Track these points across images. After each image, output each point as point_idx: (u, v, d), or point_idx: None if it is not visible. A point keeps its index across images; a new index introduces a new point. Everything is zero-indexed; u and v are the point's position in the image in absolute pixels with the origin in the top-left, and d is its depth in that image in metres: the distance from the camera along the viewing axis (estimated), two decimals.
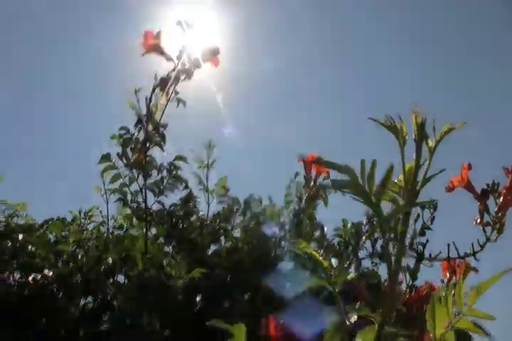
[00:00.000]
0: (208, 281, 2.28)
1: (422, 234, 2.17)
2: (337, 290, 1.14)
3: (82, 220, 2.76)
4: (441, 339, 1.02)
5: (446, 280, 2.03)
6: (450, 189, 1.87)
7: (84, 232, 2.67)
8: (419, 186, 0.94)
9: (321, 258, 1.17)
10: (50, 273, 2.35)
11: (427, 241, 2.16)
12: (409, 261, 2.22)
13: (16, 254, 2.38)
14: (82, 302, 2.40)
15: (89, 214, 2.79)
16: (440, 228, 2.24)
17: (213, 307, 2.21)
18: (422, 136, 0.94)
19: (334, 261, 1.18)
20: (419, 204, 0.97)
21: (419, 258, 2.16)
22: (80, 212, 2.77)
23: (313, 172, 2.57)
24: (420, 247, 2.18)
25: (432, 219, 2.18)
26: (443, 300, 1.00)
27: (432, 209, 2.17)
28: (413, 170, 0.94)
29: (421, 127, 0.94)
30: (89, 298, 2.44)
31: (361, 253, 2.60)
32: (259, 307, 2.21)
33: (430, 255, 2.13)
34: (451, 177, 1.86)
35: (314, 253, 1.15)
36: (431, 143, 0.94)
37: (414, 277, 2.13)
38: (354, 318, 1.14)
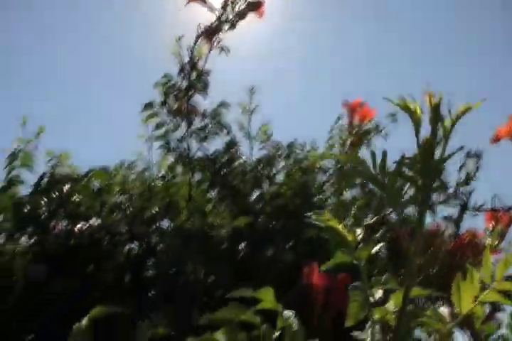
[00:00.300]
0: (251, 229, 2.29)
1: (467, 183, 2.15)
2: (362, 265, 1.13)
3: (126, 171, 2.78)
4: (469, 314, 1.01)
5: (489, 230, 2.01)
6: (496, 140, 1.83)
7: (128, 182, 2.69)
8: (435, 169, 0.91)
9: (346, 230, 1.15)
10: (96, 223, 2.38)
11: (472, 191, 2.14)
12: (453, 211, 2.21)
13: (62, 204, 2.40)
14: (127, 248, 2.43)
15: (133, 165, 2.81)
16: (486, 178, 2.21)
17: (256, 256, 2.23)
18: (437, 116, 0.91)
19: (359, 231, 1.16)
20: (435, 191, 0.95)
21: (463, 208, 2.14)
22: (122, 163, 2.77)
23: (357, 118, 2.54)
24: (464, 197, 2.16)
25: (477, 169, 2.15)
26: (468, 275, 0.99)
27: (477, 159, 2.13)
28: (428, 153, 0.92)
29: (436, 108, 0.91)
30: (134, 244, 2.47)
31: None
32: (302, 254, 2.21)
33: (474, 205, 2.11)
34: (498, 128, 1.82)
35: (338, 226, 1.13)
36: (447, 123, 0.91)
37: (457, 226, 2.12)
38: (379, 293, 1.13)
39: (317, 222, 1.10)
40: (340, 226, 1.11)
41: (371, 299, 1.12)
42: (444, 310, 1.11)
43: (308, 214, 1.13)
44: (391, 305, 1.11)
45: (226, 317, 1.30)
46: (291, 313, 1.25)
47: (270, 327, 1.29)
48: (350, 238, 1.12)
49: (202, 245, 2.22)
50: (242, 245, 2.27)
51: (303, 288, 1.89)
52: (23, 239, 2.35)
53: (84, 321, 1.48)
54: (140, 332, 1.45)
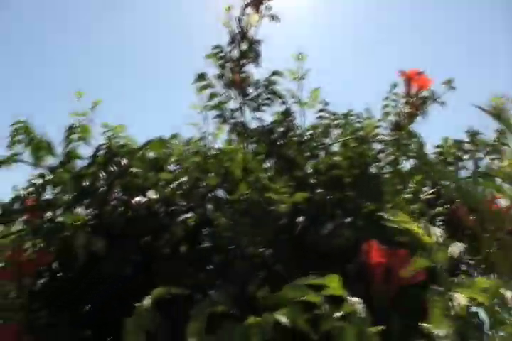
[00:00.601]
0: (309, 203, 2.27)
1: None
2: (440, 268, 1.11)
3: (181, 142, 2.78)
4: None
5: None
6: None
7: (184, 153, 2.70)
8: None
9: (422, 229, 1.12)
10: (153, 195, 2.39)
11: None
12: None
13: (119, 176, 2.42)
14: (183, 218, 2.44)
15: (190, 137, 2.81)
16: None
17: (315, 231, 2.22)
18: None
19: (439, 232, 1.14)
20: None
21: None
22: (177, 134, 2.76)
23: (414, 87, 2.50)
24: None
25: None
26: None
27: None
28: None
29: None
30: (190, 215, 2.47)
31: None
32: (362, 229, 2.20)
33: None
34: None
35: (414, 227, 1.11)
36: None
37: None
38: (463, 300, 1.10)
39: (392, 224, 1.09)
40: (415, 227, 1.10)
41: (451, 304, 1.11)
42: (508, 295, 1.10)
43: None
44: (464, 299, 1.10)
45: (288, 296, 1.31)
46: (357, 299, 1.25)
47: (331, 307, 1.29)
48: (427, 240, 1.10)
49: (260, 219, 2.22)
50: (300, 219, 2.26)
51: (362, 265, 1.88)
52: (82, 212, 2.38)
53: (147, 301, 1.50)
54: (198, 310, 1.46)
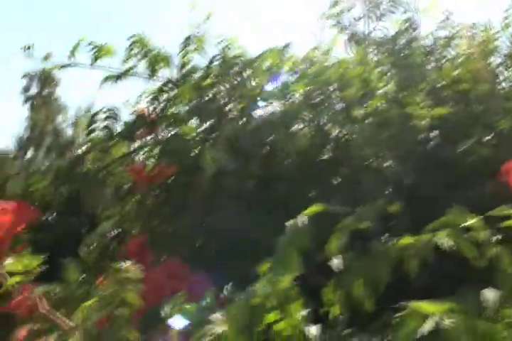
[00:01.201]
0: (443, 120, 2.18)
1: None
2: None
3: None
4: None
5: None
6: None
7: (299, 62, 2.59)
8: None
9: None
10: (272, 105, 2.34)
11: None
12: None
13: (237, 87, 2.35)
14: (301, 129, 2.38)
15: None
16: None
17: (449, 148, 2.14)
18: None
19: None
20: None
21: None
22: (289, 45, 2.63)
23: None
24: None
25: None
26: None
27: None
28: None
29: None
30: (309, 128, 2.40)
31: None
32: (498, 148, 2.11)
33: None
34: None
35: None
36: None
37: None
38: None
39: None
40: None
41: None
42: None
43: None
44: None
45: (452, 221, 1.24)
46: None
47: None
48: None
49: (396, 133, 2.15)
50: (434, 134, 2.18)
51: (500, 186, 1.79)
52: (198, 124, 2.35)
53: (301, 218, 1.45)
54: (342, 226, 1.40)
